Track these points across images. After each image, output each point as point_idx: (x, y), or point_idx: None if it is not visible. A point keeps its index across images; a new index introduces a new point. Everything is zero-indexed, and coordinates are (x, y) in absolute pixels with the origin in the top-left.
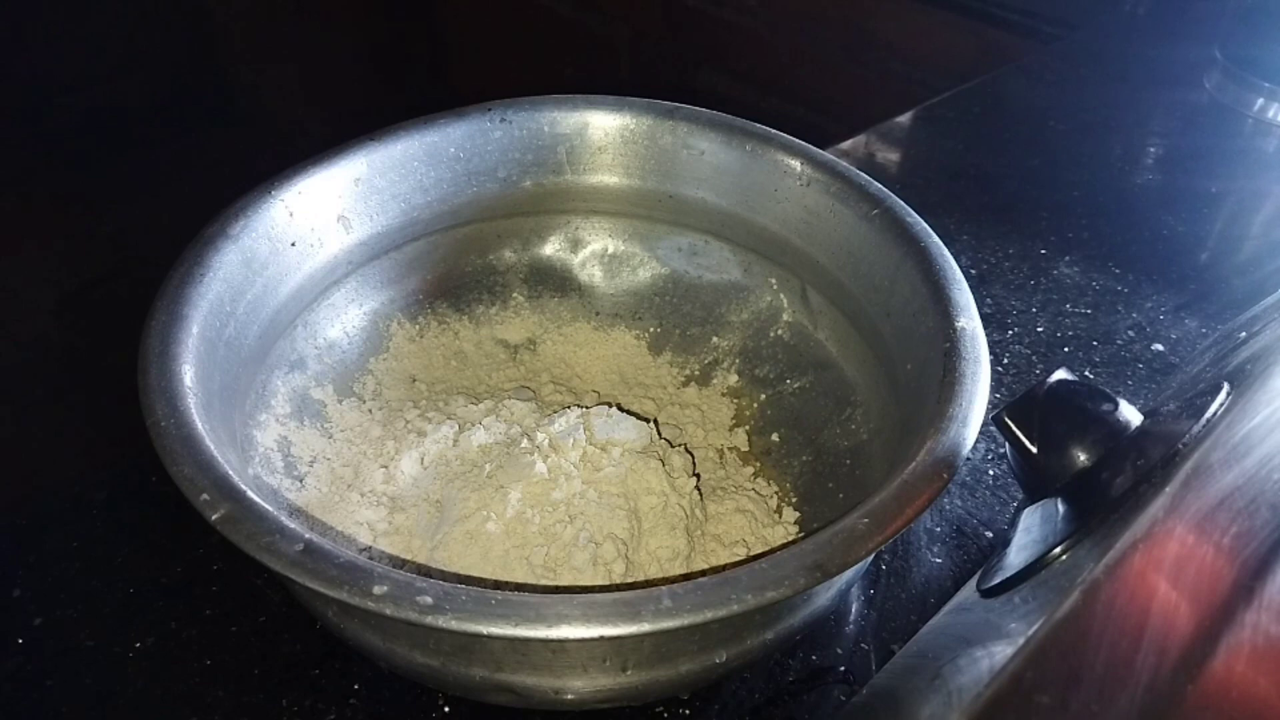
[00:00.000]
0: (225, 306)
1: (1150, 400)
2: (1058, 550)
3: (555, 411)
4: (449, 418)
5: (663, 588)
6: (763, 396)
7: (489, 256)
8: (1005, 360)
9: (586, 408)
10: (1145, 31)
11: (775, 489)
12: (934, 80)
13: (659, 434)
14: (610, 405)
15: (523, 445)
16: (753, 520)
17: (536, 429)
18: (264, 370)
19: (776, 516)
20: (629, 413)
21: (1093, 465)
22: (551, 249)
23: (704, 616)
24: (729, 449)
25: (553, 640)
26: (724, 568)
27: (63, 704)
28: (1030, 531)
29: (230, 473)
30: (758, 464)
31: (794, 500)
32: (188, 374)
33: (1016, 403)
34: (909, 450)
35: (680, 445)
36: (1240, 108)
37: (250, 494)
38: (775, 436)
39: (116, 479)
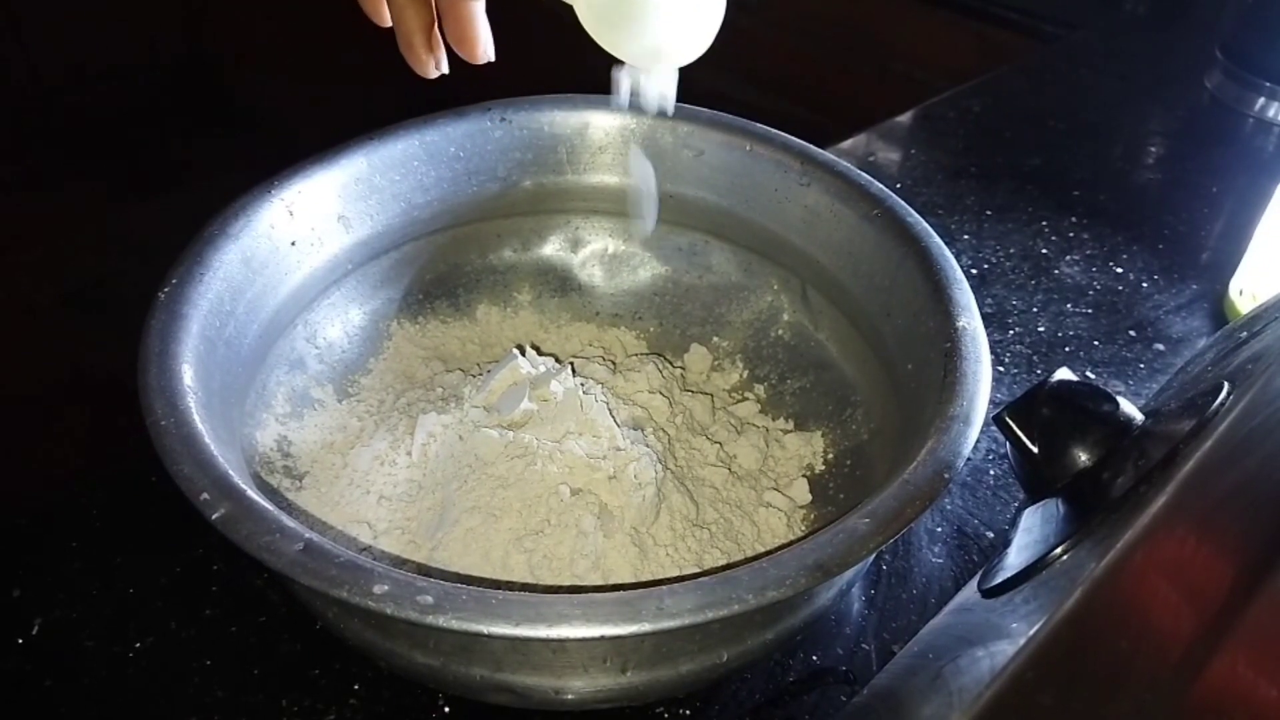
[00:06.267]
0: (225, 306)
1: (1151, 400)
2: (1059, 550)
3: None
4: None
5: (663, 588)
6: (764, 396)
7: (489, 256)
8: (1006, 360)
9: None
10: (1145, 31)
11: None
12: (934, 80)
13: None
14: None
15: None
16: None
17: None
18: (264, 370)
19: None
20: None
21: (1094, 465)
22: (551, 249)
23: (705, 616)
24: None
25: (553, 640)
26: (728, 570)
27: (63, 704)
28: (1031, 531)
29: (230, 472)
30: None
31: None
32: (187, 374)
33: (1018, 403)
34: (910, 450)
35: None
36: (1240, 107)
37: (250, 493)
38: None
39: (116, 479)
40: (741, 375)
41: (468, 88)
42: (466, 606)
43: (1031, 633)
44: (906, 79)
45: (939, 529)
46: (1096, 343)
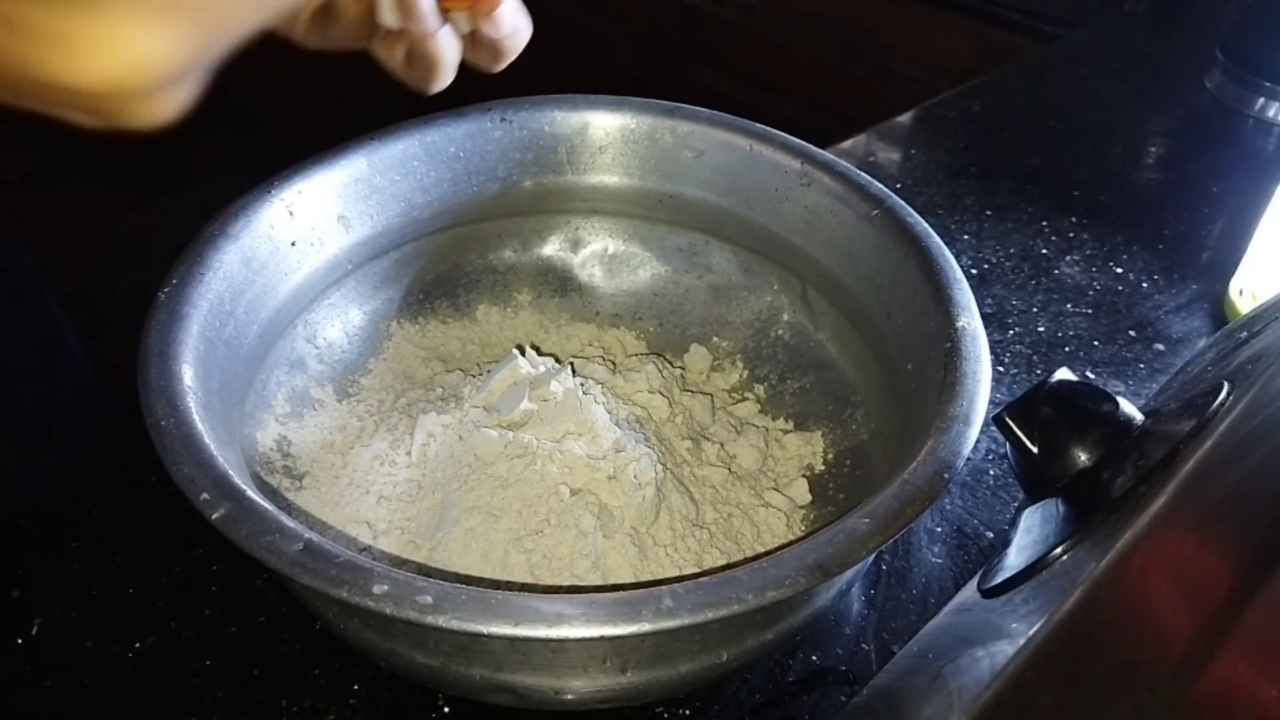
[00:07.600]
0: (225, 306)
1: (1151, 400)
2: (1059, 550)
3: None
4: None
5: (663, 588)
6: (764, 396)
7: (489, 256)
8: (1006, 360)
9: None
10: (1145, 31)
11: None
12: (934, 80)
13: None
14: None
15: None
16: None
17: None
18: (264, 370)
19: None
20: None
21: (1093, 465)
22: (552, 249)
23: (705, 616)
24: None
25: (553, 640)
26: (727, 572)
27: (63, 704)
28: (1031, 532)
29: (230, 472)
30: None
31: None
32: (187, 374)
33: (1017, 403)
34: (910, 450)
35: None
36: (1240, 107)
37: (250, 493)
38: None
39: (116, 479)
40: (741, 375)
41: (468, 88)
42: (466, 606)
43: (1031, 633)
44: (906, 79)
45: (939, 529)
46: (1096, 343)
